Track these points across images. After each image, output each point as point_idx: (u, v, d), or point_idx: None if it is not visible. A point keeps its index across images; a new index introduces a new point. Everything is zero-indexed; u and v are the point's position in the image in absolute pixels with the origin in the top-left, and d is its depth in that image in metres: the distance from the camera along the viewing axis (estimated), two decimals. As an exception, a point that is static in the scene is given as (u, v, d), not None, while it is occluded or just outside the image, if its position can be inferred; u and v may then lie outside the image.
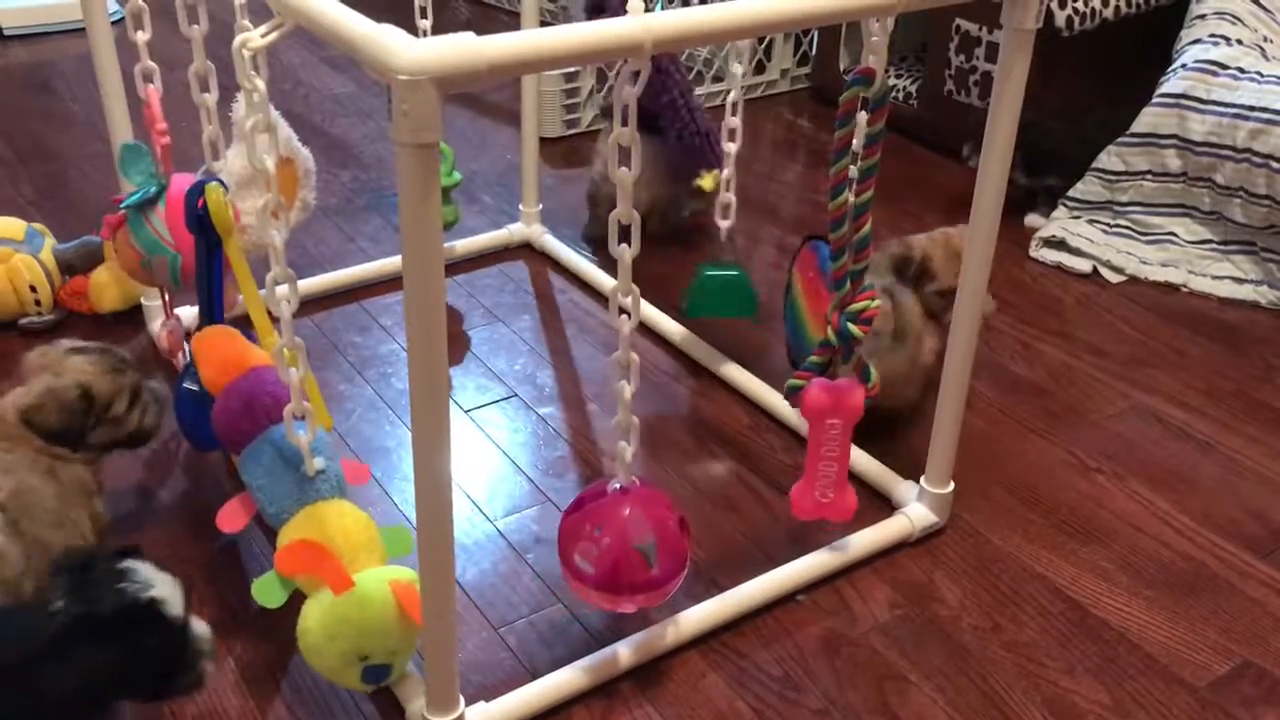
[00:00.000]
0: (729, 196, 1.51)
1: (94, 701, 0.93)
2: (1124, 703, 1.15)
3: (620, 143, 0.94)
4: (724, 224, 1.53)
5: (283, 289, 1.05)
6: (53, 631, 0.90)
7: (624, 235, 0.97)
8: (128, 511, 1.35)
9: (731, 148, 1.46)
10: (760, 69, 2.67)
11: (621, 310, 1.01)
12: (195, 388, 1.26)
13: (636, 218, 0.96)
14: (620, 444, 1.08)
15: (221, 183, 1.22)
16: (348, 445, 1.47)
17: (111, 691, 0.95)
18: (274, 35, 0.91)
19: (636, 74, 0.89)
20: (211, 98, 1.27)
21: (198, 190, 1.19)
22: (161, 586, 0.95)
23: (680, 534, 1.10)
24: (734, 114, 1.43)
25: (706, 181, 1.81)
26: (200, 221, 1.21)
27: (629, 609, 1.11)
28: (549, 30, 0.82)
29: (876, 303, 1.17)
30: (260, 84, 0.96)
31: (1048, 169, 2.06)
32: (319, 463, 1.11)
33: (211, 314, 1.28)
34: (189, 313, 1.61)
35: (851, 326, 1.16)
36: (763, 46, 2.64)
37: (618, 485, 1.10)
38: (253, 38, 0.92)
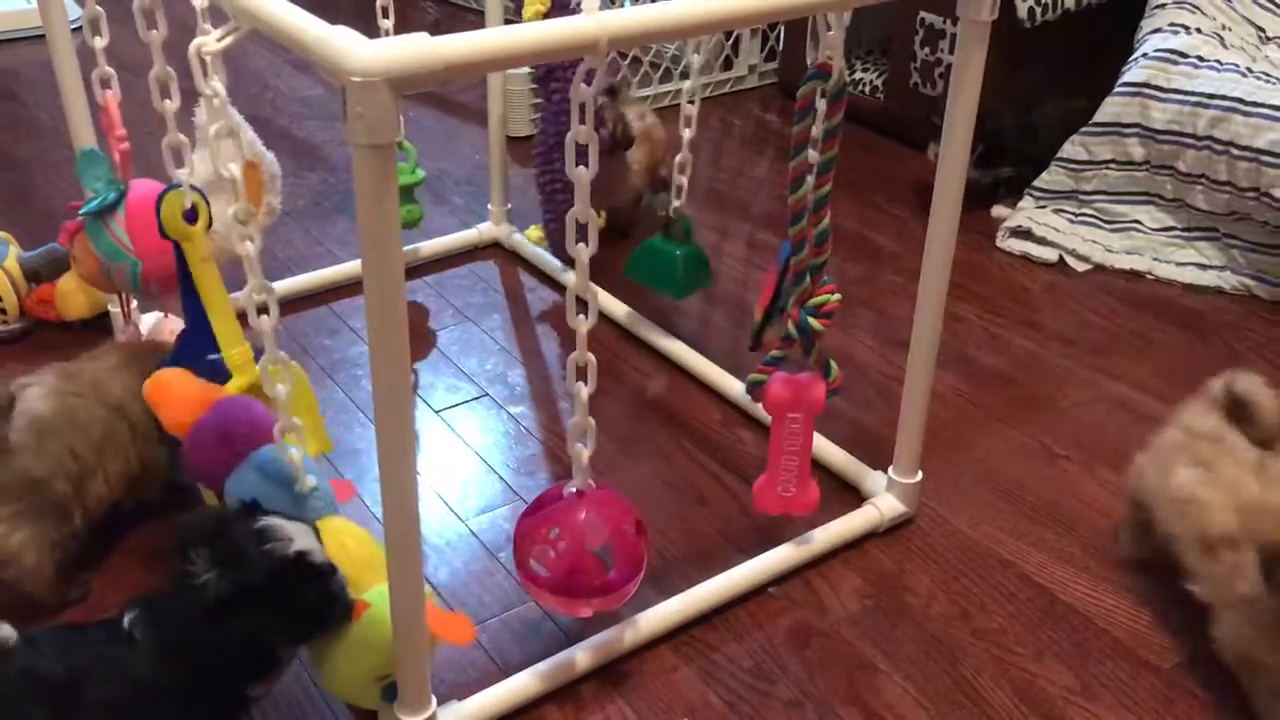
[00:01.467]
0: (682, 180, 1.57)
1: (263, 661, 0.99)
2: (1091, 686, 1.17)
3: (578, 141, 0.94)
4: (675, 203, 1.60)
5: (261, 297, 1.02)
6: (209, 604, 0.93)
7: (581, 234, 0.98)
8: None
9: (687, 134, 1.51)
10: (728, 65, 2.68)
11: (579, 309, 1.01)
12: None
13: (594, 216, 0.97)
14: (576, 446, 1.08)
15: (199, 190, 1.20)
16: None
17: (277, 648, 0.99)
18: (229, 39, 0.91)
19: (591, 72, 0.90)
20: (172, 104, 1.26)
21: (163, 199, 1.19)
22: (301, 537, 0.97)
23: (637, 537, 1.10)
24: (690, 101, 1.50)
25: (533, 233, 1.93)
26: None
27: (586, 613, 1.10)
28: (505, 29, 0.82)
29: (836, 296, 1.17)
30: (220, 88, 0.96)
31: (1000, 161, 2.08)
32: (311, 480, 1.07)
33: (197, 322, 1.27)
34: (149, 319, 1.60)
35: (811, 321, 1.17)
36: (730, 43, 2.65)
37: (574, 489, 1.10)
38: (208, 42, 0.92)
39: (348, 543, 1.06)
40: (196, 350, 1.22)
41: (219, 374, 1.19)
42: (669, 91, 2.56)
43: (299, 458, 1.06)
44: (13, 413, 1.17)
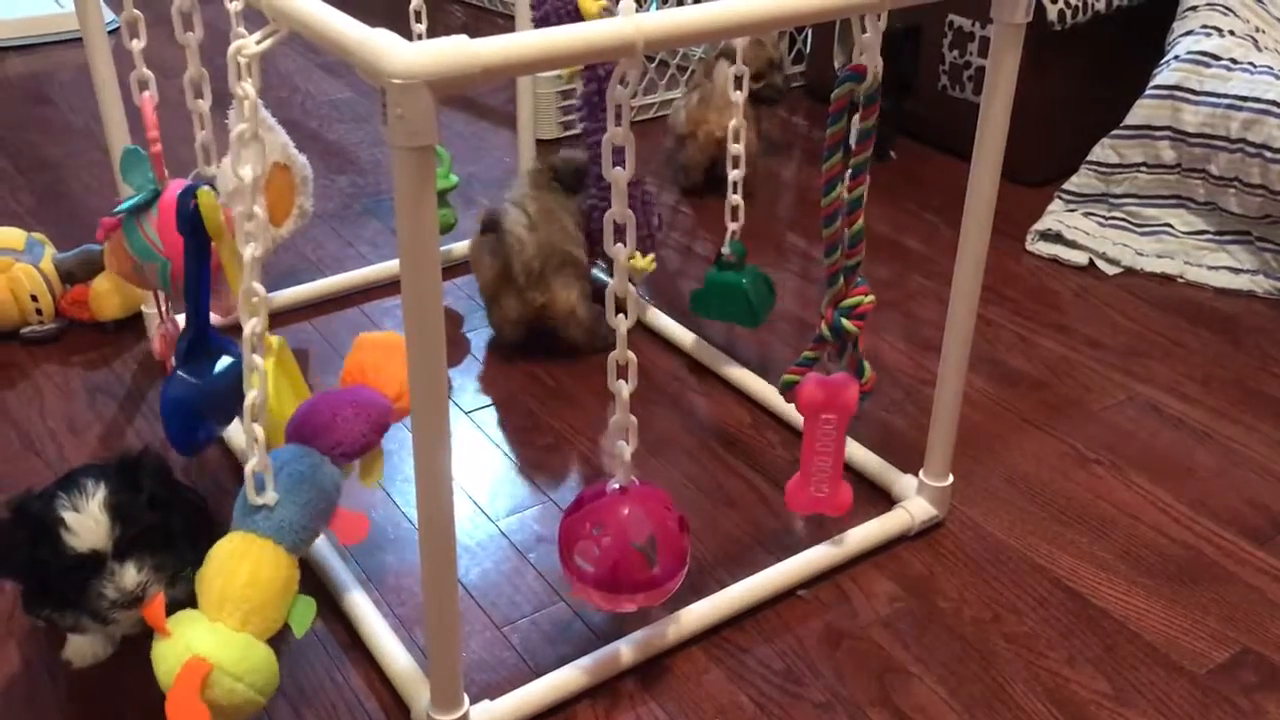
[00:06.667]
0: (736, 199, 1.51)
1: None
2: (1125, 691, 1.16)
3: (614, 143, 0.94)
4: (733, 226, 1.54)
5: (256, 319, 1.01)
6: None
7: (619, 235, 0.98)
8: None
9: (737, 148, 1.47)
10: (755, 68, 2.67)
11: (618, 309, 1.01)
12: (182, 395, 1.25)
13: (632, 218, 0.97)
14: (619, 443, 1.08)
15: (213, 186, 1.22)
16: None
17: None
18: (269, 42, 0.91)
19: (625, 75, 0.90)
20: (205, 104, 1.27)
21: (189, 194, 1.20)
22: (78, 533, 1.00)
23: (680, 533, 1.11)
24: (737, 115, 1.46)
25: (641, 262, 1.66)
26: (190, 225, 1.21)
27: (629, 608, 1.11)
28: (541, 32, 0.83)
29: (870, 298, 1.18)
30: (251, 90, 0.96)
31: None
32: (266, 496, 1.03)
33: (199, 317, 1.28)
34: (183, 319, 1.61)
35: (845, 322, 1.17)
36: (757, 45, 2.65)
37: (617, 485, 1.10)
38: (247, 44, 0.93)
39: (236, 572, 0.98)
40: (198, 347, 1.26)
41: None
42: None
43: (256, 467, 1.01)
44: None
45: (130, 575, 1.00)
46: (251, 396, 1.01)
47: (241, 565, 0.99)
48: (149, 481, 1.06)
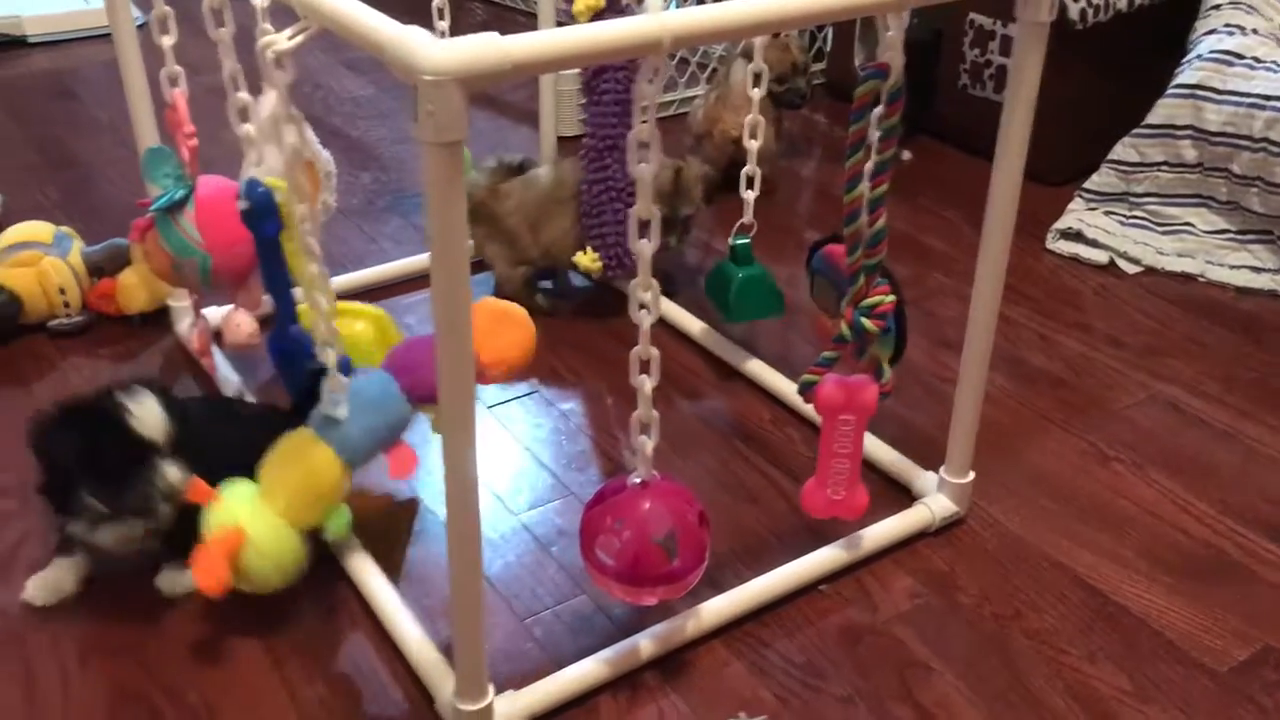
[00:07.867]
0: (749, 195, 1.51)
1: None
2: (1145, 688, 1.16)
3: (640, 139, 0.95)
4: (742, 221, 1.55)
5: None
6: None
7: (643, 230, 0.99)
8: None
9: (754, 144, 1.47)
10: (775, 66, 2.68)
11: (641, 305, 1.02)
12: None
13: (657, 213, 0.98)
14: (640, 438, 1.09)
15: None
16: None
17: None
18: (300, 38, 0.93)
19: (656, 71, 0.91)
20: (246, 97, 1.28)
21: (256, 188, 1.22)
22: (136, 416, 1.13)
23: (700, 527, 1.11)
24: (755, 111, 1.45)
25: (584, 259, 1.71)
26: (261, 218, 1.23)
27: (650, 601, 1.12)
28: (570, 29, 0.84)
29: (891, 297, 1.18)
30: (281, 82, 0.97)
31: None
32: (339, 411, 1.15)
33: (285, 308, 1.31)
34: (215, 313, 1.63)
35: (865, 321, 1.17)
36: (778, 43, 2.65)
37: (638, 479, 1.11)
38: (278, 40, 0.94)
39: (293, 467, 1.15)
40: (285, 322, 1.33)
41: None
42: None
43: (334, 387, 1.15)
44: (517, 175, 1.75)
45: (175, 473, 1.12)
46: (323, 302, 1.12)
47: (298, 462, 1.15)
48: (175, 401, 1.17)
